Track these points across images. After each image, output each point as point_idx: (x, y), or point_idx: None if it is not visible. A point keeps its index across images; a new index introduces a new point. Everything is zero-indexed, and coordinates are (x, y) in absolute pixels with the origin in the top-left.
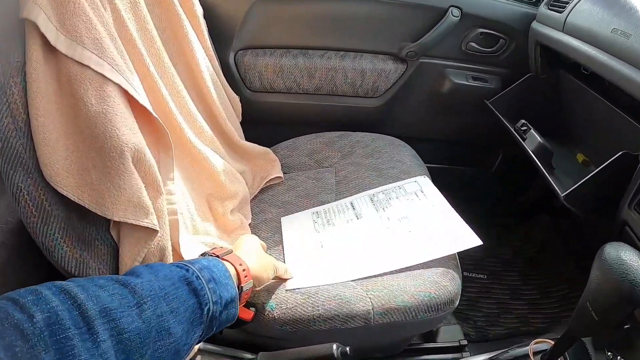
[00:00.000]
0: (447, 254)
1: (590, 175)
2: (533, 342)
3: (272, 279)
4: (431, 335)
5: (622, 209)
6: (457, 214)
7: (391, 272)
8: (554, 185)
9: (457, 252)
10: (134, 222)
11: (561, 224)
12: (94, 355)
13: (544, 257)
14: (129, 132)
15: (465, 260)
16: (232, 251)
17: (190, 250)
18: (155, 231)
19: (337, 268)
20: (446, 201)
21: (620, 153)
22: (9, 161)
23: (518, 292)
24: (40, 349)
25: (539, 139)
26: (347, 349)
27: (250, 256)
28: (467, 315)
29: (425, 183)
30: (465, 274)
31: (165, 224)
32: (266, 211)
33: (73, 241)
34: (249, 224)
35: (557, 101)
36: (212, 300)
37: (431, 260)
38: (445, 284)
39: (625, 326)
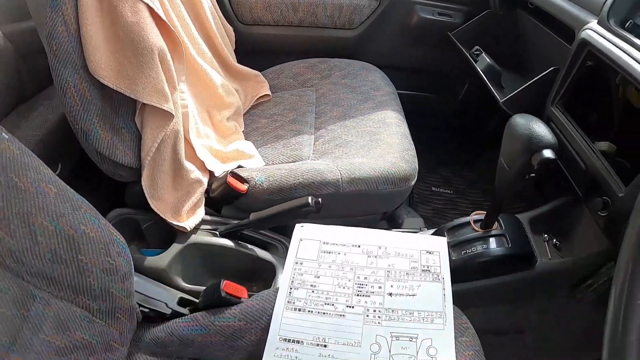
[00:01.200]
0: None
1: (525, 85)
2: (473, 213)
3: None
4: (397, 226)
5: (547, 108)
6: None
7: (358, 153)
8: (495, 93)
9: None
10: (157, 105)
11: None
12: None
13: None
14: (155, 37)
15: (434, 176)
16: None
17: (197, 129)
18: (172, 116)
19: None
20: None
21: (551, 69)
22: (60, 60)
23: (481, 206)
24: None
25: (488, 60)
26: (319, 199)
27: None
28: (433, 221)
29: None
30: (433, 189)
31: (179, 112)
32: (256, 122)
33: (106, 126)
34: (242, 131)
35: (512, 35)
36: None
37: (390, 146)
38: (402, 165)
39: (530, 175)
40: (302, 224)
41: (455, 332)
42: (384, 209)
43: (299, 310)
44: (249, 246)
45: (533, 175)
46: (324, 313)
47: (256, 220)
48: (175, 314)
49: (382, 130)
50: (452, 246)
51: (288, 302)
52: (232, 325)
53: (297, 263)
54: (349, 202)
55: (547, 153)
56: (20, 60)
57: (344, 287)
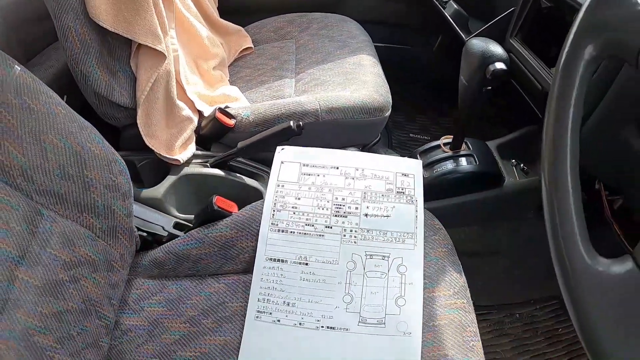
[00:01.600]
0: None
1: (487, 25)
2: (442, 137)
3: None
4: None
5: (507, 40)
6: None
7: (335, 89)
8: (460, 32)
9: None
10: (151, 45)
11: (500, 101)
12: None
13: (483, 125)
14: None
15: (412, 124)
16: None
17: (186, 78)
18: (164, 57)
19: None
20: None
21: (511, 9)
22: (61, 7)
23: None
24: None
25: (455, 6)
26: (300, 122)
27: None
28: None
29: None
30: (411, 135)
31: (171, 55)
32: (241, 72)
33: (104, 69)
34: (228, 80)
35: None
36: None
37: (365, 83)
38: (376, 97)
39: (486, 88)
40: (282, 147)
41: (428, 232)
42: (362, 141)
43: (282, 231)
44: (238, 175)
45: (489, 88)
46: (304, 233)
47: (243, 148)
48: (172, 237)
49: (357, 71)
50: (424, 166)
51: (272, 224)
52: (225, 235)
53: (279, 185)
54: (328, 132)
55: (499, 65)
56: (9, 30)
57: (323, 208)
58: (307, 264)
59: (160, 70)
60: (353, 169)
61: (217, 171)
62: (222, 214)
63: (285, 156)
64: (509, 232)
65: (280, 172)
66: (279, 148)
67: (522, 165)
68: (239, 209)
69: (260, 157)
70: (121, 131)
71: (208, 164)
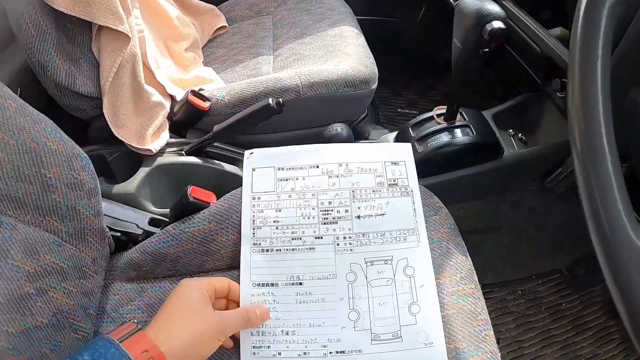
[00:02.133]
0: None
1: None
2: (435, 108)
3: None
4: (363, 139)
5: (499, 2)
6: None
7: (316, 63)
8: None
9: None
10: (113, 26)
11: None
12: None
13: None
14: None
15: (399, 99)
16: (140, 328)
17: (151, 57)
18: (128, 38)
19: None
20: None
21: None
22: None
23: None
24: None
25: None
26: (280, 99)
27: (173, 328)
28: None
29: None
30: (399, 110)
31: (135, 36)
32: (215, 52)
33: (64, 57)
34: (202, 62)
35: None
36: None
37: (348, 55)
38: (361, 68)
39: (483, 50)
40: (251, 150)
41: (427, 211)
42: (347, 117)
43: (267, 250)
44: (215, 162)
45: (487, 50)
46: (293, 249)
47: (219, 131)
48: (148, 235)
49: (339, 43)
50: (417, 140)
51: (254, 244)
52: (203, 229)
53: (254, 199)
54: (310, 109)
55: (497, 23)
56: None
57: (308, 217)
58: (301, 283)
59: (124, 53)
60: (336, 165)
61: (193, 159)
62: (198, 206)
63: (256, 161)
64: (509, 206)
65: (254, 182)
66: (247, 153)
67: (519, 134)
68: (218, 198)
69: (238, 140)
70: (89, 124)
71: (183, 152)
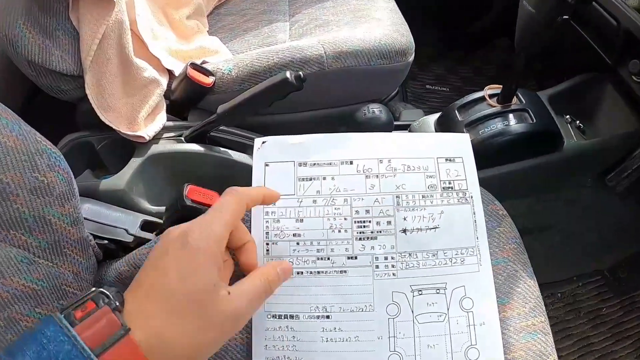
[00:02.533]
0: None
1: None
2: (486, 87)
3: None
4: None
5: None
6: None
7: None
8: None
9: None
10: None
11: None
12: None
13: (503, 74)
14: None
15: (427, 74)
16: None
17: (144, 26)
18: (113, 3)
19: None
20: None
21: None
22: None
23: None
24: None
25: None
26: (300, 73)
27: (165, 333)
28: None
29: None
30: (428, 86)
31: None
32: (222, 20)
33: (36, 29)
34: (207, 31)
35: None
36: None
37: (379, 21)
38: (396, 36)
39: (562, 17)
40: (263, 139)
41: (490, 222)
42: (378, 95)
43: None
44: (221, 149)
45: (567, 17)
46: (318, 272)
47: (224, 113)
48: (140, 242)
49: (368, 6)
50: (466, 125)
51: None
52: None
53: (268, 205)
54: (336, 85)
55: None
56: None
57: (339, 231)
58: (328, 316)
59: (108, 21)
60: (375, 162)
61: (193, 146)
62: (197, 211)
63: (270, 154)
64: (564, 203)
65: (267, 181)
66: (257, 142)
67: (577, 122)
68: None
69: (248, 123)
70: (76, 106)
71: (183, 138)
